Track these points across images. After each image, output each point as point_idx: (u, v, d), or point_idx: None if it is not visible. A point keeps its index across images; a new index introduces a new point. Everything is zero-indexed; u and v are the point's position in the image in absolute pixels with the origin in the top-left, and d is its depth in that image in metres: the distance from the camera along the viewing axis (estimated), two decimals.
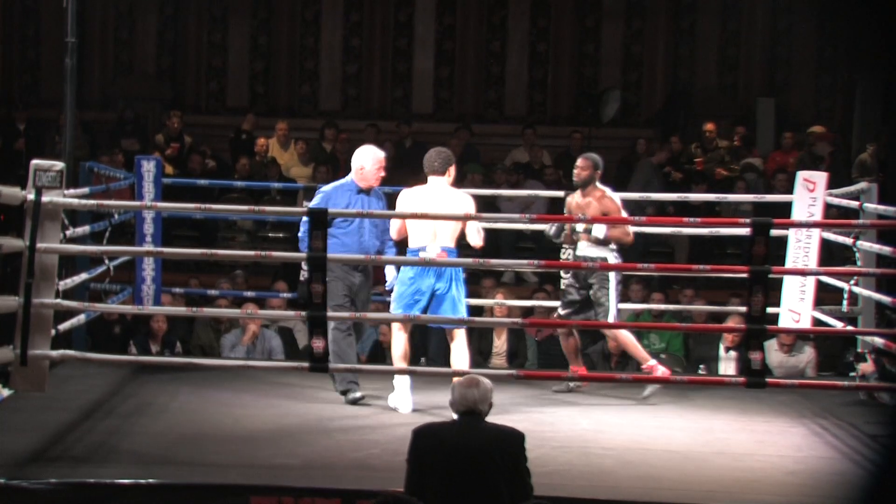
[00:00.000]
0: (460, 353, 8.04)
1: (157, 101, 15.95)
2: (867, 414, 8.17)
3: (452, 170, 8.16)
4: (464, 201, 8.05)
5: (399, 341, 8.11)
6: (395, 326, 8.16)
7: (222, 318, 10.47)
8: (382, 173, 8.42)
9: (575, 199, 8.67)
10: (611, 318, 8.52)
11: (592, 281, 8.57)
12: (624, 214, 8.60)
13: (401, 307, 8.01)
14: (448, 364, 8.15)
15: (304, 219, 8.12)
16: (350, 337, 8.33)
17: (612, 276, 8.53)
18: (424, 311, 7.94)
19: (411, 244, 8.05)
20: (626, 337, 8.66)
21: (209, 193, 12.07)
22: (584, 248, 8.58)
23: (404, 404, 7.98)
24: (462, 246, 8.13)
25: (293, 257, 8.31)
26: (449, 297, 7.98)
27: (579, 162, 8.69)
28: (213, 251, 9.36)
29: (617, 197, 8.65)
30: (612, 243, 8.53)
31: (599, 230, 8.46)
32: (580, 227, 8.53)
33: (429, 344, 11.03)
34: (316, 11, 16.65)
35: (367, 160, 8.36)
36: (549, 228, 8.72)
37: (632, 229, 8.61)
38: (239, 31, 16.66)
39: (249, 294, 10.72)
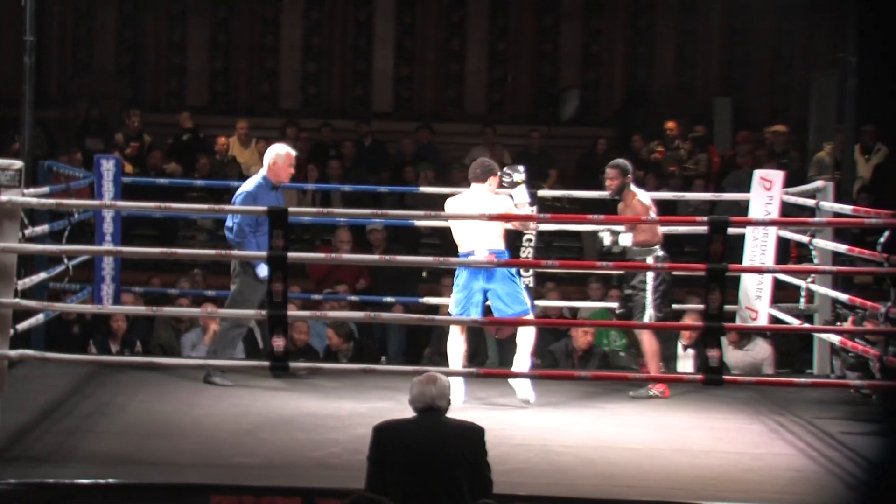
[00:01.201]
0: (525, 339, 8.29)
1: (117, 100, 15.87)
2: (824, 410, 8.24)
3: (493, 179, 8.39)
4: (502, 203, 8.27)
5: (457, 343, 8.30)
6: (454, 329, 8.36)
7: (182, 318, 10.46)
8: (292, 170, 8.75)
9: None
10: (646, 319, 8.57)
11: (633, 283, 8.60)
12: (653, 215, 8.59)
13: (459, 310, 8.23)
14: (408, 363, 8.21)
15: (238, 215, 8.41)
16: (239, 329, 8.80)
17: (649, 279, 8.55)
18: (484, 311, 8.20)
19: (461, 249, 8.27)
20: (651, 344, 8.64)
21: (169, 192, 12.05)
22: (633, 252, 8.59)
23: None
24: (515, 247, 8.44)
25: (253, 256, 8.33)
26: (504, 296, 8.15)
27: (607, 171, 8.67)
28: (173, 250, 9.39)
29: (647, 197, 8.64)
30: (654, 247, 8.55)
31: (626, 239, 8.49)
32: (607, 240, 8.55)
33: (388, 343, 11.06)
34: (276, 10, 16.63)
35: (280, 157, 8.65)
36: (603, 242, 8.66)
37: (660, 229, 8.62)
38: (198, 30, 16.61)
39: (210, 293, 10.71)
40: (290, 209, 7.58)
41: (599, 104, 16.66)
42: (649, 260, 8.52)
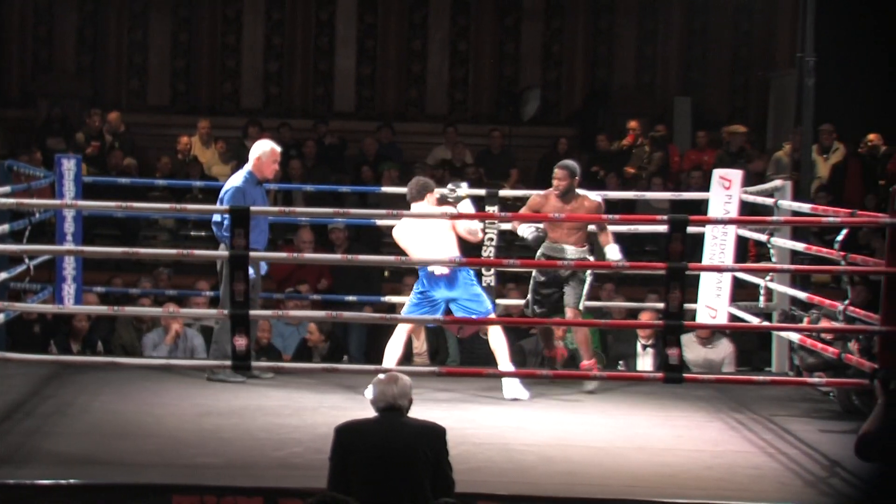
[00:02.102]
0: (499, 343, 8.39)
1: (77, 99, 15.81)
2: (782, 408, 8.31)
3: (430, 196, 8.42)
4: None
5: (397, 345, 8.43)
6: (400, 330, 8.44)
7: (144, 318, 10.43)
8: (276, 167, 8.84)
9: (551, 202, 8.64)
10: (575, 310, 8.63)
11: (568, 276, 8.63)
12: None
13: (415, 312, 8.33)
14: (369, 362, 8.25)
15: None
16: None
17: (589, 276, 8.62)
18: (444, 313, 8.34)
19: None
20: (584, 333, 8.74)
21: (130, 192, 12.03)
22: (571, 252, 8.64)
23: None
24: (476, 248, 8.71)
25: (215, 255, 8.32)
26: (467, 301, 8.31)
27: (556, 172, 8.65)
28: (135, 250, 9.36)
29: (598, 197, 8.69)
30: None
31: (613, 252, 8.51)
32: (527, 234, 8.58)
33: (349, 342, 11.07)
34: (237, 9, 16.60)
35: (265, 153, 8.73)
36: (527, 235, 8.61)
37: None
38: (160, 29, 16.57)
39: (171, 293, 10.70)
40: (252, 209, 7.57)
41: (560, 104, 16.73)
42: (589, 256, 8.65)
